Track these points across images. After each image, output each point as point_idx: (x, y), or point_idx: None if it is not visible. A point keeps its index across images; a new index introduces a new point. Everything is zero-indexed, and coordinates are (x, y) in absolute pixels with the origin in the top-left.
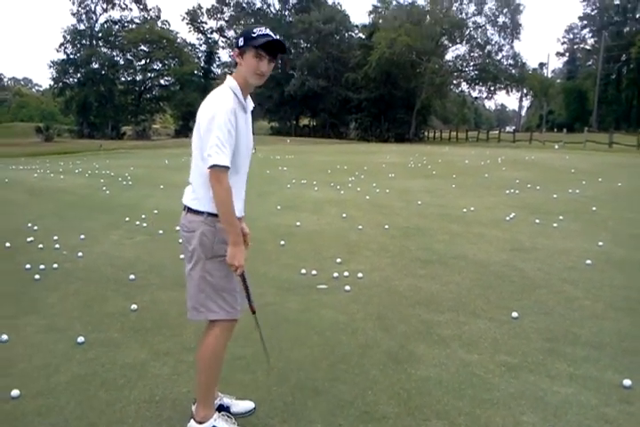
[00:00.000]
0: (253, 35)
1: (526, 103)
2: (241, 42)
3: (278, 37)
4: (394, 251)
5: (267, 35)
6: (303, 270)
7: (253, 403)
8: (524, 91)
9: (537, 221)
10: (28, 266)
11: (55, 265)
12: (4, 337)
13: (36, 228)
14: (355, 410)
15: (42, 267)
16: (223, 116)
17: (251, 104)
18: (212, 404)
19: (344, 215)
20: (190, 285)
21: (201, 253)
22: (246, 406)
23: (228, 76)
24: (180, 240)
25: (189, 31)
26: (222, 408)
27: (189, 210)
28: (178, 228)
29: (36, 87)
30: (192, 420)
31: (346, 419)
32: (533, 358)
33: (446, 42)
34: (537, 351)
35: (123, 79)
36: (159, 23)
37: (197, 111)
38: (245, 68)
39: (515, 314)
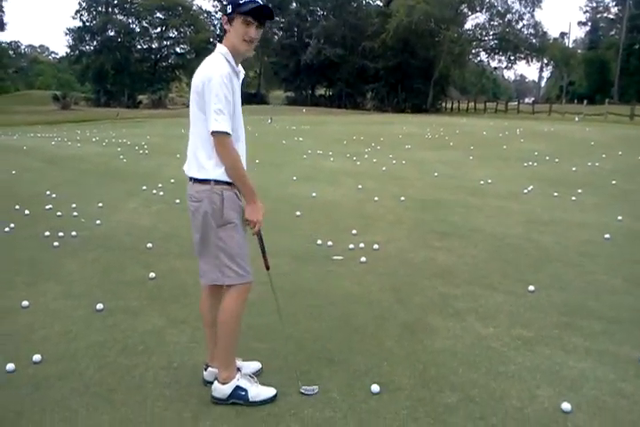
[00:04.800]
0: (240, 1)
1: (546, 74)
2: (229, 9)
3: (264, 3)
4: (410, 223)
5: (254, 1)
6: (319, 241)
7: (260, 363)
8: (545, 61)
9: (555, 193)
10: (46, 233)
11: (74, 233)
12: (25, 303)
13: (54, 195)
14: (370, 380)
15: (60, 234)
16: (219, 81)
17: (242, 71)
18: (234, 365)
19: (360, 186)
20: (203, 252)
21: (212, 222)
22: (255, 366)
23: (219, 44)
24: (190, 211)
25: None
26: None
27: (195, 180)
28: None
29: (53, 55)
30: (216, 381)
31: (361, 389)
32: (549, 331)
33: (466, 10)
34: (553, 325)
35: (139, 47)
36: None
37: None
38: (234, 35)
39: (531, 287)
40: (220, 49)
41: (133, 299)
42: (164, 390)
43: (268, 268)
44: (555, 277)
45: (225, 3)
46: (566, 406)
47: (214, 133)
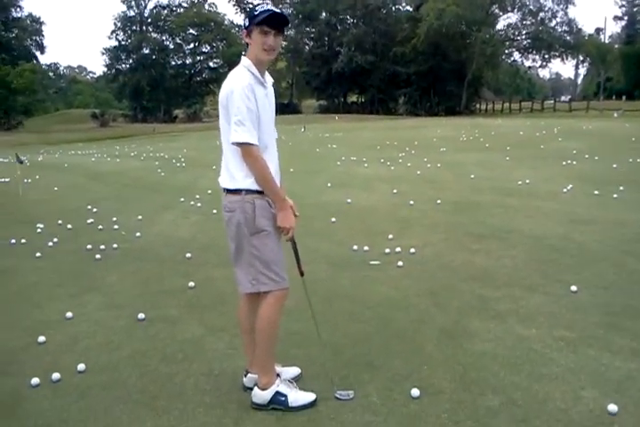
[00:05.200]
0: (255, 13)
1: (582, 71)
2: (246, 22)
3: (278, 10)
4: (446, 226)
5: (267, 10)
6: (355, 247)
7: (299, 368)
8: (580, 58)
9: (596, 192)
10: (89, 246)
11: (115, 245)
12: (69, 314)
13: (95, 210)
14: (410, 385)
15: (102, 247)
16: (240, 93)
17: (269, 79)
18: (274, 371)
19: (395, 191)
20: (239, 261)
21: (245, 230)
22: (294, 371)
23: (243, 57)
24: (224, 221)
25: (236, 13)
26: None
27: (228, 191)
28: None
29: (90, 74)
30: (256, 387)
31: (401, 393)
32: (593, 332)
33: (497, 10)
34: (596, 326)
35: (173, 63)
36: (206, 6)
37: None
38: (254, 46)
39: (573, 288)
40: (244, 62)
41: (173, 308)
42: (204, 396)
43: (302, 274)
44: (597, 277)
45: None
46: (612, 407)
47: (235, 144)
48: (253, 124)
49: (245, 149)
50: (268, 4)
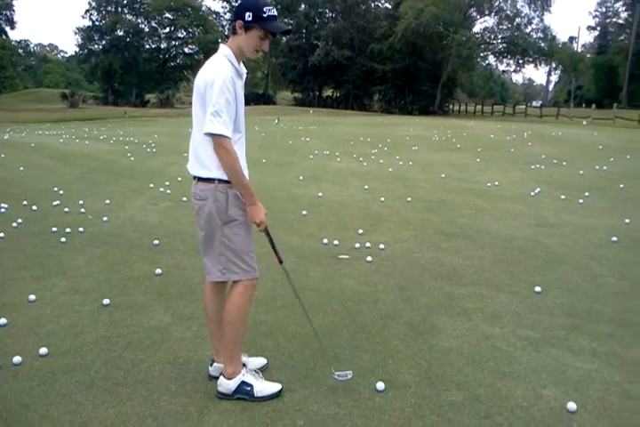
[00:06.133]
0: (264, 15)
1: (554, 78)
2: (249, 17)
3: (289, 28)
4: (416, 224)
5: (275, 16)
6: (325, 240)
7: (265, 359)
8: (553, 65)
9: (562, 196)
10: (54, 229)
11: (81, 229)
12: (32, 297)
13: (62, 192)
14: (375, 378)
15: (67, 230)
16: (221, 84)
17: (244, 70)
18: (240, 360)
19: (366, 187)
20: (209, 250)
21: (217, 220)
22: (260, 362)
23: (222, 45)
24: (194, 209)
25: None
26: None
27: (200, 179)
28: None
29: (62, 53)
30: (222, 376)
31: (367, 387)
32: (556, 333)
33: (474, 13)
34: (559, 327)
35: (147, 47)
36: None
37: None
38: (246, 43)
39: (538, 289)
40: (224, 50)
41: (140, 295)
42: (169, 384)
43: (281, 261)
44: (562, 280)
45: (237, 5)
46: (572, 406)
47: (209, 135)
48: (230, 116)
49: (219, 140)
50: (272, 6)
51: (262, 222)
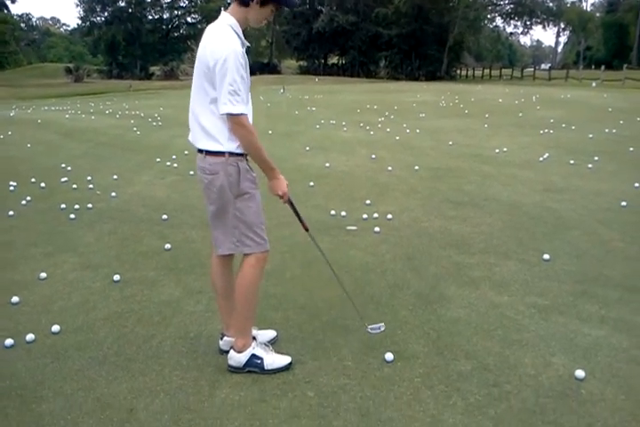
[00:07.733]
0: None
1: (563, 39)
2: None
3: None
4: (424, 192)
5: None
6: (333, 211)
7: (275, 331)
8: (562, 25)
9: (571, 161)
10: (62, 206)
11: (89, 205)
12: (43, 275)
13: (69, 168)
14: (384, 349)
15: (76, 207)
16: (234, 61)
17: (246, 43)
18: (250, 334)
19: (373, 156)
20: (221, 224)
21: (229, 193)
22: (270, 334)
23: (225, 13)
24: (202, 183)
25: None
26: None
27: (208, 152)
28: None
29: (64, 27)
30: (232, 350)
31: (376, 357)
32: (564, 300)
33: None
34: (568, 293)
35: (150, 17)
36: None
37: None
38: (256, 15)
39: (546, 256)
40: (229, 20)
41: (150, 270)
42: (181, 359)
43: (307, 229)
44: (571, 246)
45: None
46: (580, 373)
47: (230, 115)
48: (246, 92)
49: (238, 119)
50: None
51: (285, 194)
